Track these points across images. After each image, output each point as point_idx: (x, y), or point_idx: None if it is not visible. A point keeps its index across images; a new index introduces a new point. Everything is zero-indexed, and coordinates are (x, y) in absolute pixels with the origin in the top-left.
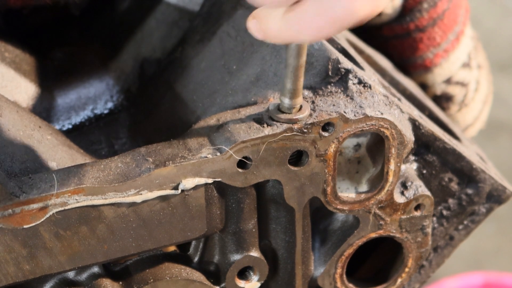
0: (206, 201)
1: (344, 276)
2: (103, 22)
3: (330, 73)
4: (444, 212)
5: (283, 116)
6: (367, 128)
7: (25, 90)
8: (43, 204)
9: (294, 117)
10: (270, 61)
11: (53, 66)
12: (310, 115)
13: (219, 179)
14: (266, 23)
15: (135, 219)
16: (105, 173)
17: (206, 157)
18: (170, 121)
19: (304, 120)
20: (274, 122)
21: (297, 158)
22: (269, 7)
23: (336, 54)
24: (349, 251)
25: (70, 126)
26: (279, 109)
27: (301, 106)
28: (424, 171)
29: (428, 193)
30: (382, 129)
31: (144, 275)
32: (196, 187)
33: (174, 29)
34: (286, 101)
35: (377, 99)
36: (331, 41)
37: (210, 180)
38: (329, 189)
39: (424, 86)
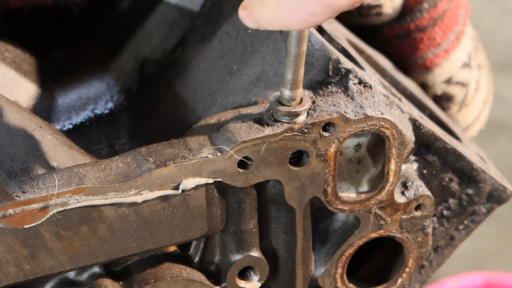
0: (206, 201)
1: (345, 276)
2: (103, 22)
3: (330, 73)
4: (445, 212)
5: (282, 108)
6: (368, 128)
7: (25, 90)
8: (44, 204)
9: (293, 110)
10: (270, 61)
11: (54, 66)
12: (311, 115)
13: (219, 179)
14: (257, 12)
15: (136, 219)
16: (105, 173)
17: (207, 157)
18: (171, 121)
19: (304, 111)
20: (275, 122)
21: (298, 158)
22: None
23: (336, 54)
24: (350, 251)
25: (70, 126)
26: (279, 101)
27: (301, 100)
28: (425, 171)
29: (428, 193)
30: (382, 129)
31: (144, 275)
32: (196, 187)
33: (174, 29)
34: (287, 93)
35: (378, 99)
36: (332, 41)
37: (210, 180)
38: (329, 189)
39: (424, 86)
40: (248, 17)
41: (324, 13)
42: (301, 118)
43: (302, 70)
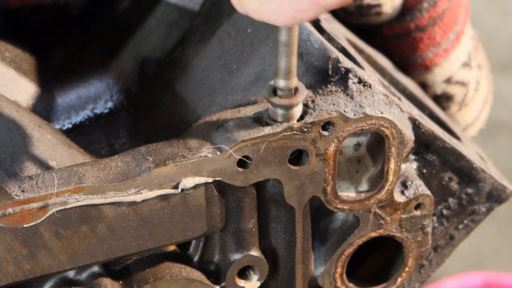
0: (206, 200)
1: (344, 275)
2: (103, 22)
3: (330, 72)
4: (444, 212)
5: (278, 100)
6: (367, 127)
7: (25, 89)
8: (43, 203)
9: (291, 102)
10: (270, 61)
11: (53, 66)
12: (310, 114)
13: (219, 178)
14: (246, 1)
15: (135, 219)
16: (105, 172)
17: (206, 156)
18: (170, 121)
19: (303, 98)
20: (274, 122)
21: (298, 157)
22: None
23: (336, 53)
24: (349, 250)
25: (70, 126)
26: (275, 92)
27: (296, 89)
28: (424, 171)
29: (428, 192)
30: (382, 128)
31: (144, 274)
32: (196, 186)
33: (174, 28)
34: (281, 83)
35: (377, 98)
36: (331, 40)
37: (210, 179)
38: (329, 188)
39: (424, 86)
40: (238, 2)
41: (312, 10)
42: (297, 110)
43: (295, 59)
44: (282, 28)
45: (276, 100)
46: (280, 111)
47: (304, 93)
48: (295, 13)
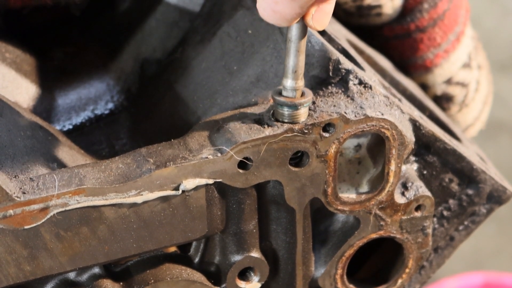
0: (206, 201)
1: (345, 276)
2: (103, 22)
3: (330, 73)
4: (445, 213)
5: (283, 99)
6: (368, 129)
7: (26, 90)
8: (44, 205)
9: (297, 101)
10: (270, 62)
11: (54, 67)
12: (311, 115)
13: (219, 180)
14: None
15: (136, 220)
16: (105, 173)
17: (207, 157)
18: (171, 122)
19: (311, 98)
20: (275, 122)
21: (298, 159)
22: None
23: (336, 55)
24: (350, 251)
25: (70, 127)
26: (281, 94)
27: (303, 93)
28: (425, 172)
29: (428, 193)
30: (382, 130)
31: (144, 275)
32: (196, 188)
33: (174, 29)
34: (289, 83)
35: (378, 100)
36: (332, 41)
37: (210, 181)
38: (329, 190)
39: (424, 87)
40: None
41: (286, 5)
42: (303, 112)
43: (303, 59)
44: (293, 27)
45: (283, 99)
46: (287, 111)
47: (311, 94)
48: (274, 5)
